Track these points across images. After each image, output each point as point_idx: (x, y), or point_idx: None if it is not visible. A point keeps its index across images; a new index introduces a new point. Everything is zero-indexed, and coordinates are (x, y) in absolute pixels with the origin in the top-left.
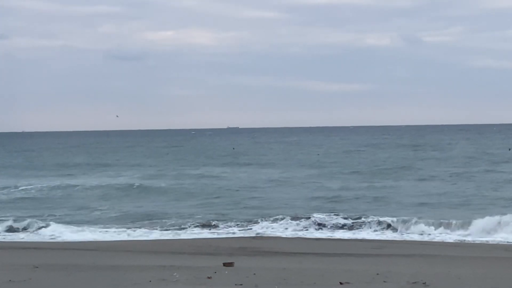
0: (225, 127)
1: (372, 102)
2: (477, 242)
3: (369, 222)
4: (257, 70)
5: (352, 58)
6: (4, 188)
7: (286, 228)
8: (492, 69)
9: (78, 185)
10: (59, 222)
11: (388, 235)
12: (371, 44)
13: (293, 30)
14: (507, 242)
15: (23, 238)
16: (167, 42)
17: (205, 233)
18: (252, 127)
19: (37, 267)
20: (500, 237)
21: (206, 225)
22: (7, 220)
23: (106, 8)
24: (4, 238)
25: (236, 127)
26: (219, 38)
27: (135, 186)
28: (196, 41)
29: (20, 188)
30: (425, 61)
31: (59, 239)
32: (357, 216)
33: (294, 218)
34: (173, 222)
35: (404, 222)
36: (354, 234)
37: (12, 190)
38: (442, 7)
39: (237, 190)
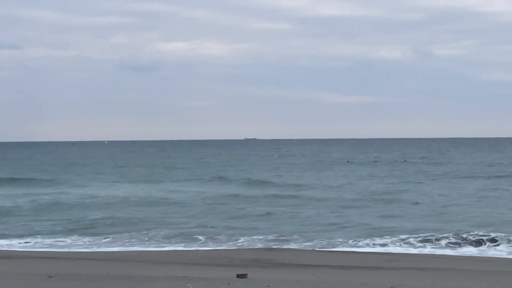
0: (243, 138)
1: (385, 114)
2: (491, 256)
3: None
4: (270, 81)
5: (365, 70)
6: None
7: None
8: (504, 82)
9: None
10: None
11: (401, 248)
12: (383, 57)
13: (305, 42)
14: None
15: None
16: (180, 53)
17: (219, 245)
18: (270, 138)
19: (51, 277)
20: None
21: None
22: None
23: (119, 19)
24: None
25: (253, 138)
26: (231, 50)
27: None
28: (208, 52)
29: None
30: (437, 74)
31: (72, 249)
32: None
33: None
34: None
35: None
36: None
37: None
38: (453, 20)
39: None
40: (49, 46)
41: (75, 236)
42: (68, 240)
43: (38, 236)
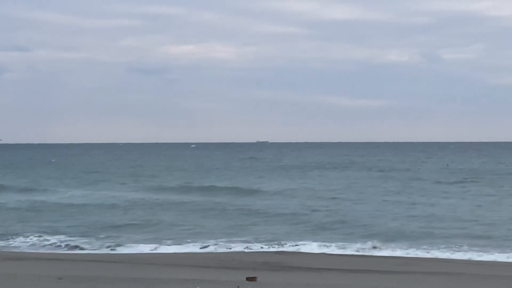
0: (255, 141)
1: (395, 118)
2: (502, 261)
3: None
4: (279, 84)
5: (374, 74)
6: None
7: None
8: None
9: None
10: None
11: (412, 252)
12: (392, 60)
13: (314, 45)
14: None
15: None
16: (188, 56)
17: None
18: (282, 141)
19: (61, 279)
20: None
21: None
22: None
23: (128, 22)
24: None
25: (265, 141)
26: (240, 53)
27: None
28: (217, 55)
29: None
30: (446, 78)
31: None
32: None
33: None
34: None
35: None
36: None
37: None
38: (462, 24)
39: None
40: (59, 49)
41: (85, 238)
42: (73, 242)
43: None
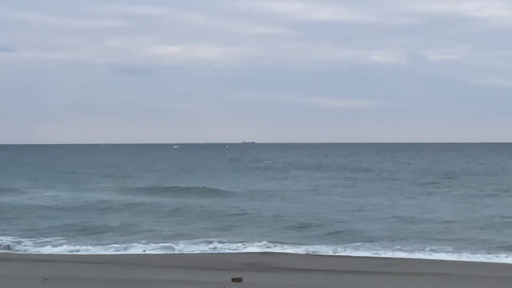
0: (240, 141)
1: (379, 119)
2: (488, 261)
3: None
4: (265, 85)
5: (359, 75)
6: None
7: None
8: (496, 87)
9: None
10: None
11: (397, 253)
12: (377, 61)
13: (299, 46)
14: None
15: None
16: (173, 57)
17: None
18: (269, 142)
19: (47, 280)
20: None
21: None
22: None
23: (113, 22)
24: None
25: (251, 142)
26: (225, 53)
27: None
28: (202, 56)
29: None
30: (430, 79)
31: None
32: None
33: None
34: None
35: None
36: None
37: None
38: (446, 25)
39: None
40: (44, 49)
41: (69, 239)
42: (60, 243)
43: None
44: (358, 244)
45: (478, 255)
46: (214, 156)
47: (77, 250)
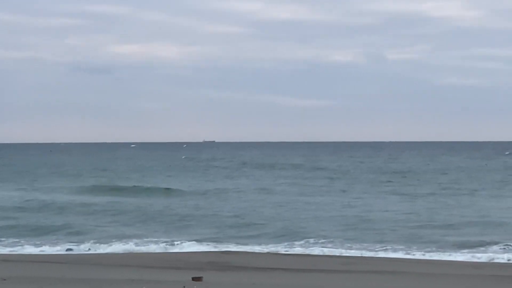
0: (201, 140)
1: (340, 118)
2: (446, 259)
3: None
4: (226, 84)
5: (320, 74)
6: None
7: None
8: (456, 87)
9: None
10: None
11: (356, 251)
12: (338, 60)
13: (259, 45)
14: (478, 260)
15: None
16: (134, 55)
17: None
18: (229, 141)
19: (5, 280)
20: (470, 255)
21: None
22: None
23: (73, 21)
24: None
25: (212, 141)
26: (185, 52)
27: None
28: (162, 55)
29: None
30: (391, 78)
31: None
32: None
33: None
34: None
35: None
36: None
37: None
38: (406, 25)
39: None
40: (2, 48)
41: (27, 239)
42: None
43: None
44: (315, 242)
45: (432, 253)
46: (170, 155)
47: (34, 251)
